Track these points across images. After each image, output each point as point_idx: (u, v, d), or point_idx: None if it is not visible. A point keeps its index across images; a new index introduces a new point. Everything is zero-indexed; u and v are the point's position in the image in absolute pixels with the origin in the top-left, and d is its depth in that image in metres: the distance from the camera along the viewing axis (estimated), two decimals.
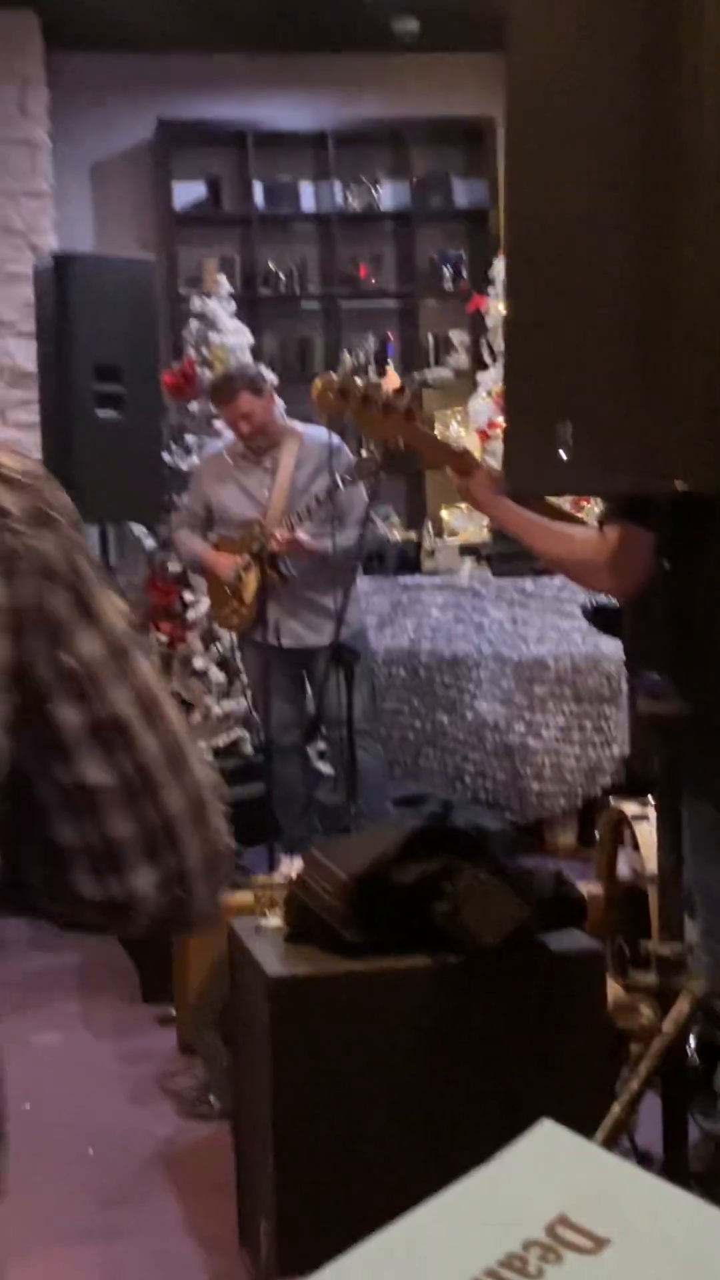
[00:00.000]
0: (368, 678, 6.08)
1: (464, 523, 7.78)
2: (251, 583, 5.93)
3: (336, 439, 5.64)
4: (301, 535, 5.70)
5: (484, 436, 7.51)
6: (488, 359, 8.12)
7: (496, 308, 7.60)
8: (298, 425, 6.03)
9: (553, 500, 3.02)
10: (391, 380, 3.14)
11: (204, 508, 6.19)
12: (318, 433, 5.90)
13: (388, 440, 3.09)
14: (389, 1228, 0.67)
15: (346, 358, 9.02)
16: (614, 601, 3.19)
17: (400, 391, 3.05)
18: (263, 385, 5.95)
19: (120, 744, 1.16)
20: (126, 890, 1.18)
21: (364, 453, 5.76)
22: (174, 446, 7.52)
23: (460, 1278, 0.65)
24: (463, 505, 6.53)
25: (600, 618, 3.07)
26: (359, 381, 3.02)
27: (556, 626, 6.71)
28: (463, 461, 2.97)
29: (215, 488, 6.12)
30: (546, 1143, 0.72)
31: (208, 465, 6.29)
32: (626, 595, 2.79)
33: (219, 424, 7.37)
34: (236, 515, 5.98)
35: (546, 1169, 0.71)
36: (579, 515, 3.04)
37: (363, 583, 6.90)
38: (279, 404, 6.12)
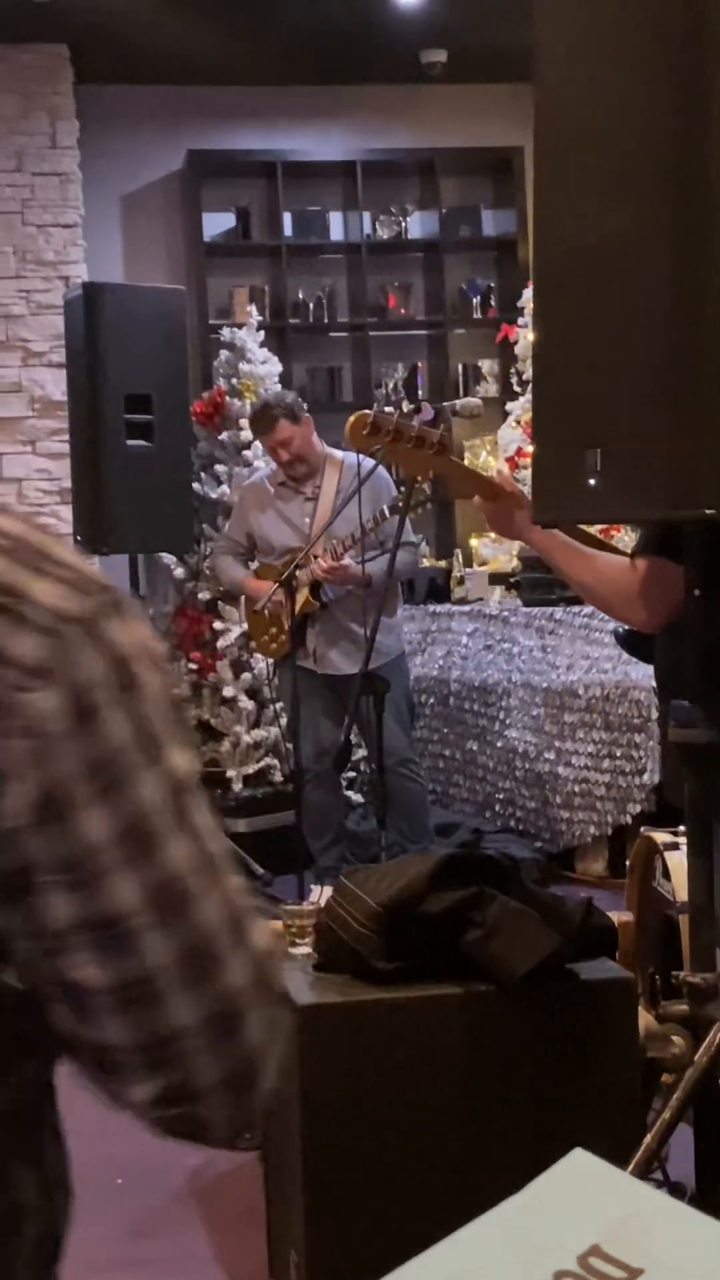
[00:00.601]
0: (404, 706, 6.09)
1: (494, 551, 7.78)
2: (291, 609, 5.95)
3: (377, 466, 5.64)
4: (347, 561, 5.71)
5: (513, 465, 7.52)
6: (517, 387, 8.14)
7: (525, 336, 7.61)
8: (338, 453, 6.03)
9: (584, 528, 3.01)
10: (424, 415, 3.19)
11: (245, 536, 6.20)
12: (359, 461, 5.91)
13: (420, 474, 3.10)
14: (419, 1258, 0.67)
15: (380, 398, 9.04)
16: None
17: (432, 425, 3.05)
18: (301, 413, 5.97)
19: (118, 944, 0.97)
20: (123, 1097, 1.03)
21: (425, 487, 5.79)
22: (204, 476, 7.54)
23: None
24: (492, 535, 6.53)
25: (632, 644, 3.06)
26: (390, 413, 3.02)
27: (586, 654, 6.69)
28: (497, 490, 2.97)
29: (256, 516, 6.14)
30: (579, 1172, 0.71)
31: (249, 493, 6.30)
32: (652, 629, 2.78)
33: (248, 454, 7.40)
34: (278, 543, 5.99)
35: (579, 1198, 0.70)
36: (612, 544, 3.03)
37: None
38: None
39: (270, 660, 6.26)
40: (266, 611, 6.00)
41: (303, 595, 5.89)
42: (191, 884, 0.99)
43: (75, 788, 0.95)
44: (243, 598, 6.49)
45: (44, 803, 0.95)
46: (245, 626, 7.33)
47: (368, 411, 3.02)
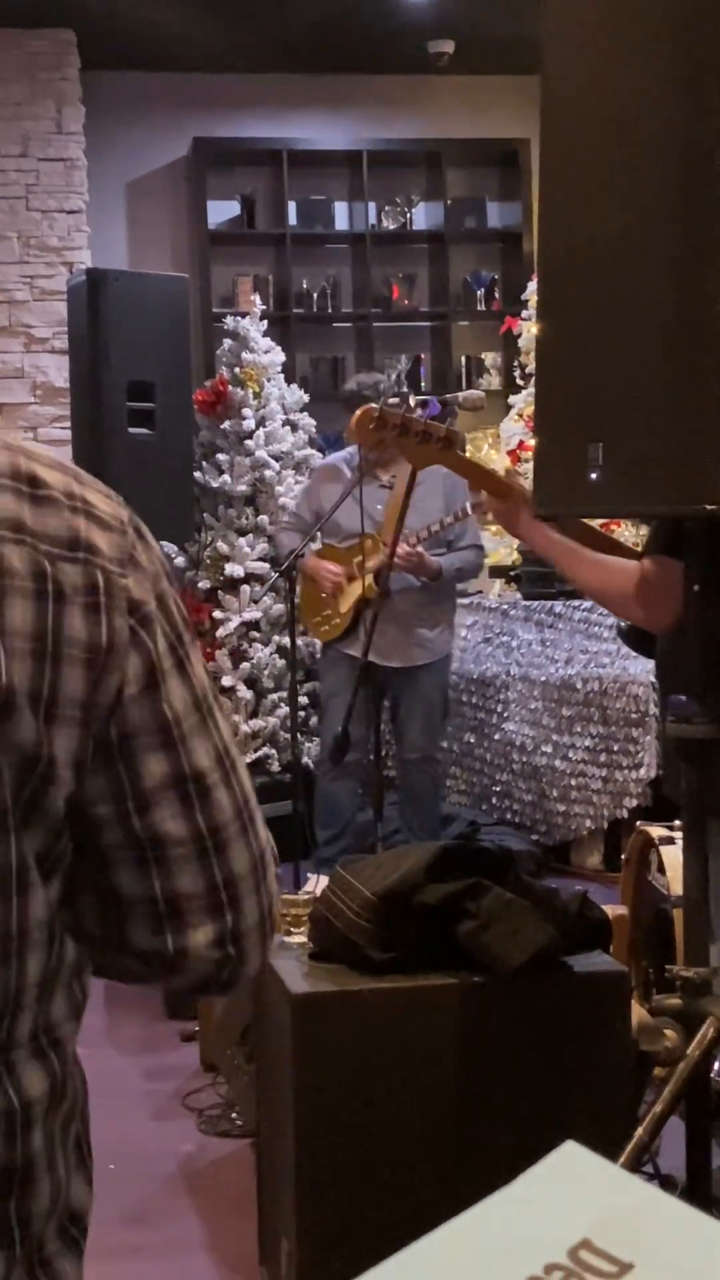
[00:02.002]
0: (439, 704, 6.15)
1: (494, 544, 7.77)
2: (352, 594, 5.98)
3: None
4: (422, 550, 5.78)
5: (515, 458, 7.51)
6: (520, 380, 8.13)
7: (529, 329, 7.60)
8: None
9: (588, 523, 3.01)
10: (430, 409, 3.21)
11: (314, 515, 6.21)
12: None
13: (426, 466, 3.10)
14: (408, 1249, 0.67)
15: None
16: None
17: (439, 419, 3.05)
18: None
19: (199, 798, 1.14)
20: (181, 945, 1.16)
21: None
22: (205, 465, 7.54)
23: None
24: (492, 527, 6.53)
25: (633, 638, 3.06)
26: (396, 402, 3.02)
27: (585, 648, 6.70)
28: (503, 487, 2.96)
29: (329, 497, 6.15)
30: (570, 1164, 0.71)
31: (323, 473, 6.32)
32: (657, 628, 2.78)
33: (250, 443, 7.40)
34: (346, 526, 5.99)
35: (570, 1191, 0.70)
36: (619, 541, 3.03)
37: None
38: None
39: (319, 643, 6.33)
40: (323, 593, 6.06)
41: (366, 582, 5.92)
42: (233, 750, 1.19)
43: (164, 661, 1.13)
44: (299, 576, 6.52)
45: (148, 673, 1.12)
46: (247, 614, 7.35)
47: (374, 405, 3.00)
